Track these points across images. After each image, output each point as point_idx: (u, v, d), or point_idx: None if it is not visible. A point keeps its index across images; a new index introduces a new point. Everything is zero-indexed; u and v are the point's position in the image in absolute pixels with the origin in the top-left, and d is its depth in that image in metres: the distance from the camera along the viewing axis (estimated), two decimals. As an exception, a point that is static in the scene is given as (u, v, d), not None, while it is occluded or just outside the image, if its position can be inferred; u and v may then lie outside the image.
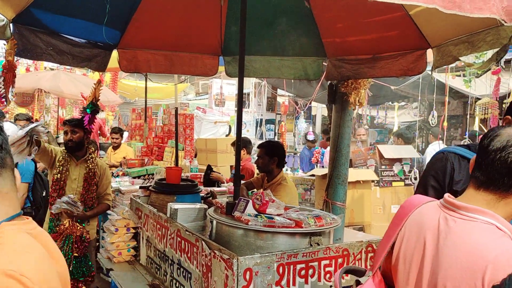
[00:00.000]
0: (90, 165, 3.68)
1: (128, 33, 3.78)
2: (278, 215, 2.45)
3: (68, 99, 11.90)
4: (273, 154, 3.58)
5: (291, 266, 2.04)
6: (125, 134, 10.04)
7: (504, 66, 6.03)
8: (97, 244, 4.59)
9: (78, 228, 3.52)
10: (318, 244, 2.20)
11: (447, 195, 1.37)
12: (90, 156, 3.72)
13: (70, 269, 3.50)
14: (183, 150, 6.60)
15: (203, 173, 5.70)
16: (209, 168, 5.37)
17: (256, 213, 2.44)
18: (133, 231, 3.25)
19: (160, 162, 6.45)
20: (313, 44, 3.98)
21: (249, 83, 11.03)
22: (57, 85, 8.92)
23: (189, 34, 3.99)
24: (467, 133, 7.47)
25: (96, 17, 3.42)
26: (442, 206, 1.35)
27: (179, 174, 3.37)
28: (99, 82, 3.55)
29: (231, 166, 6.83)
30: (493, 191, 1.25)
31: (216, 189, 4.42)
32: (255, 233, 2.23)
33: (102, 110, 10.35)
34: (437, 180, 1.97)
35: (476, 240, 1.18)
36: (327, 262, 2.15)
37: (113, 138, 7.24)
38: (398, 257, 1.40)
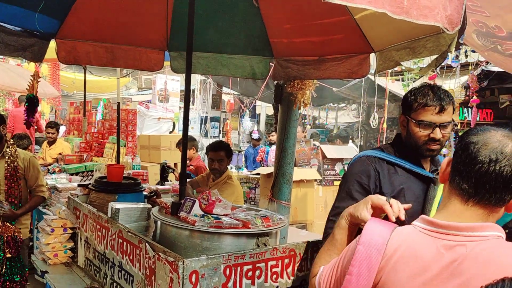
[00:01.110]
0: (9, 160, 3.45)
1: (67, 23, 3.58)
2: (225, 215, 2.41)
3: (0, 90, 11.17)
4: (230, 155, 3.57)
5: (238, 268, 2.01)
6: (62, 129, 9.56)
7: (439, 72, 6.38)
8: (31, 244, 4.34)
9: (9, 228, 3.37)
10: (266, 245, 2.19)
11: (423, 217, 1.23)
12: (8, 149, 3.47)
13: (4, 270, 3.31)
14: (125, 146, 6.38)
15: (145, 171, 5.56)
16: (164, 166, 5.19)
17: (203, 213, 2.39)
18: (71, 231, 3.08)
19: (100, 159, 6.20)
20: (261, 43, 3.97)
21: (195, 80, 10.89)
22: (-13, 75, 8.34)
23: (133, 27, 3.84)
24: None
25: (33, 4, 3.20)
26: (429, 231, 1.18)
27: (121, 172, 3.24)
28: (37, 75, 3.33)
29: (175, 164, 6.70)
30: (484, 205, 1.14)
31: (160, 187, 4.31)
32: (201, 234, 2.18)
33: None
34: (361, 184, 1.92)
35: (505, 259, 1.06)
36: (274, 262, 2.14)
37: (48, 133, 6.86)
38: None
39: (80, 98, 11.99)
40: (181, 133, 10.61)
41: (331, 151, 6.01)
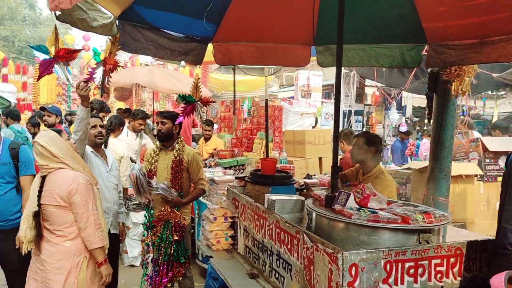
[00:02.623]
0: (176, 153, 3.82)
1: (222, 26, 3.85)
2: (380, 209, 2.34)
3: (161, 93, 12.54)
4: (371, 144, 3.43)
5: (399, 264, 1.94)
6: (215, 126, 10.35)
7: None
8: (192, 230, 4.78)
9: (176, 213, 3.72)
10: (428, 242, 2.07)
11: None
12: (177, 145, 3.87)
13: (171, 252, 3.69)
14: (272, 141, 6.64)
15: (292, 165, 5.71)
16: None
17: (358, 206, 2.36)
18: (230, 220, 3.32)
19: (250, 154, 6.55)
20: (412, 29, 3.75)
21: (336, 73, 10.76)
22: (152, 80, 9.41)
23: (281, 24, 3.96)
24: None
25: (194, 12, 3.52)
26: None
27: (274, 165, 3.38)
28: (198, 78, 3.66)
29: (319, 158, 6.74)
30: None
31: (308, 180, 4.38)
32: (358, 227, 2.16)
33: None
34: None
35: None
36: (438, 261, 2.01)
37: (205, 130, 7.48)
38: None
39: (228, 98, 12.86)
40: (323, 127, 10.59)
41: (494, 143, 5.39)
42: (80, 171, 2.79)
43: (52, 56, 2.55)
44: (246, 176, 3.45)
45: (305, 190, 3.49)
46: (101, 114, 5.83)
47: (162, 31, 3.51)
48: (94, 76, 3.00)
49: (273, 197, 2.82)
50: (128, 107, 9.87)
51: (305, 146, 6.79)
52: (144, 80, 9.30)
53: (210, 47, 4.03)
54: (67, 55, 2.54)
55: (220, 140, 7.83)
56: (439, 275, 2.02)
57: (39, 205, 2.73)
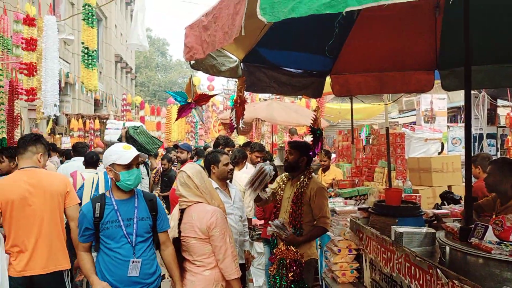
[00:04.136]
0: (300, 185, 3.70)
1: (340, 59, 3.93)
2: (526, 244, 2.12)
3: (279, 126, 12.94)
4: (511, 171, 3.12)
5: (553, 306, 1.73)
6: (332, 156, 10.31)
7: None
8: (316, 264, 4.71)
9: (292, 251, 3.55)
10: None
11: None
12: (303, 176, 3.74)
13: None
14: (394, 170, 6.40)
15: (417, 194, 5.41)
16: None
17: (498, 240, 2.17)
18: (355, 252, 3.27)
19: (371, 183, 6.38)
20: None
21: (462, 96, 10.06)
22: (271, 114, 9.80)
23: (401, 52, 3.90)
24: None
25: (312, 48, 3.66)
26: None
27: (400, 195, 3.26)
28: (318, 109, 3.75)
29: (448, 187, 6.29)
30: None
31: (436, 211, 4.12)
32: (500, 263, 1.98)
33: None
34: None
35: None
36: None
37: (322, 161, 7.51)
38: None
39: (344, 126, 12.75)
40: (451, 153, 9.88)
41: None
42: (215, 206, 3.00)
43: (189, 102, 2.85)
44: (369, 207, 3.38)
45: (435, 222, 3.29)
46: (226, 149, 6.23)
47: (282, 69, 3.70)
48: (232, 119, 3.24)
49: (401, 229, 2.72)
50: (249, 140, 10.37)
51: (431, 173, 6.42)
52: (264, 115, 9.73)
53: (327, 79, 4.12)
54: (203, 101, 2.82)
55: (338, 170, 7.77)
56: None
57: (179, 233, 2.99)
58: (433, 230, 2.76)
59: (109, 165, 2.79)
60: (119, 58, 29.45)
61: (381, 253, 2.82)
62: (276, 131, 13.08)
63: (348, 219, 3.78)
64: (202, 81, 31.47)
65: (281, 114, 10.08)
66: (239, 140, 12.73)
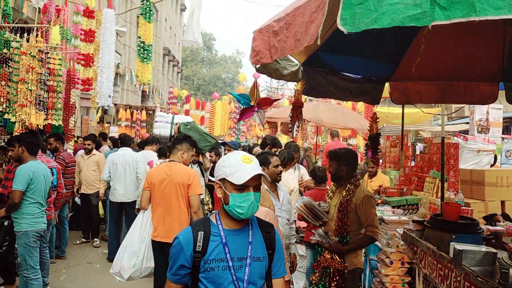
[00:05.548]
0: (346, 193, 3.64)
1: (401, 66, 3.84)
2: None
3: (323, 127, 12.84)
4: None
5: None
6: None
7: None
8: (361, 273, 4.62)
9: (336, 260, 3.51)
10: None
11: None
12: (349, 184, 3.68)
13: None
14: (446, 181, 6.19)
15: (469, 208, 5.22)
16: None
17: None
18: (408, 266, 3.20)
19: (420, 193, 6.21)
20: None
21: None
22: (317, 115, 9.73)
23: (466, 62, 3.78)
24: None
25: (372, 54, 3.60)
26: None
27: (458, 211, 3.16)
28: (375, 115, 3.69)
29: (502, 202, 6.05)
30: None
31: (492, 228, 3.97)
32: None
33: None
34: None
35: None
36: None
37: (370, 167, 7.38)
38: None
39: (390, 131, 12.45)
40: (504, 166, 9.47)
41: None
42: (267, 207, 3.02)
43: (252, 104, 2.88)
44: (425, 221, 3.30)
45: (493, 240, 3.17)
46: (273, 149, 6.23)
47: (341, 74, 3.67)
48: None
49: (460, 246, 2.64)
50: (292, 140, 10.33)
51: (484, 187, 6.19)
52: (310, 116, 9.66)
53: (386, 85, 4.05)
54: (266, 104, 2.84)
55: (386, 176, 7.60)
56: None
57: None
58: (494, 250, 2.67)
59: (219, 180, 2.00)
60: (167, 51, 30.10)
61: (437, 269, 2.75)
62: (320, 132, 12.98)
63: (397, 230, 3.71)
64: (248, 77, 31.68)
65: (326, 116, 9.99)
66: (282, 139, 12.73)
